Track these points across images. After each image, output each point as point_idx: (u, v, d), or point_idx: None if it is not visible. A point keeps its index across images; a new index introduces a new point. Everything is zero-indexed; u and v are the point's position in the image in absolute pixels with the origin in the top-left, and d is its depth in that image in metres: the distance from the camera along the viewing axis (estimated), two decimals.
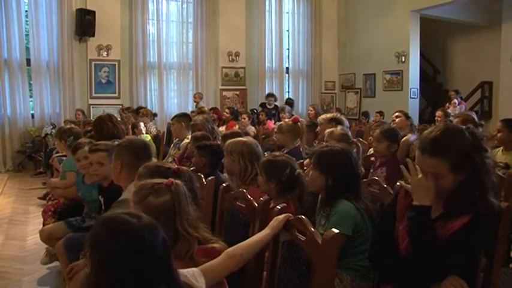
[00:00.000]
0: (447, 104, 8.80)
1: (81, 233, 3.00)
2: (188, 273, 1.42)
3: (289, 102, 10.26)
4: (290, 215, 1.83)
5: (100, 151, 2.98)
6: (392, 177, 2.87)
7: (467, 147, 1.58)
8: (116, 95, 9.67)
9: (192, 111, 7.95)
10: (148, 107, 9.12)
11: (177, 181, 1.69)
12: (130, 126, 6.64)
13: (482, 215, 1.56)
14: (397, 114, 5.07)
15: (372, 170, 3.51)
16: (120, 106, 9.28)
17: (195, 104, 9.47)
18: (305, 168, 2.91)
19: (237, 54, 10.73)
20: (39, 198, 5.74)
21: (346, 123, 4.44)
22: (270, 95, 10.17)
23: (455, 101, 8.96)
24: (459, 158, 1.56)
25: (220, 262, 1.59)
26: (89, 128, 4.80)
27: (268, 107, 9.77)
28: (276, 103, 10.10)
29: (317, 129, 4.39)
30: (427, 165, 1.60)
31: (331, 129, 3.68)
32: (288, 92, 11.65)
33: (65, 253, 2.87)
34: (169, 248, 1.18)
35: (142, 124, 6.59)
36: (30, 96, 8.99)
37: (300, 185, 2.42)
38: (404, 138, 3.53)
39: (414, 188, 1.63)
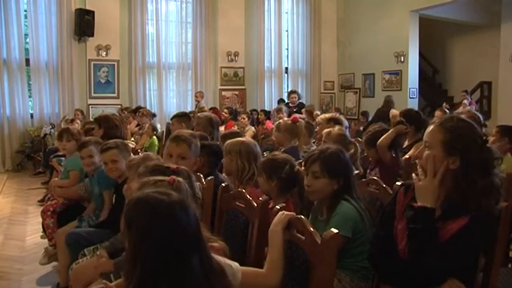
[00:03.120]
0: (445, 104, 8.72)
1: (83, 229, 3.02)
2: (227, 261, 1.45)
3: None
4: (293, 213, 1.83)
5: (111, 149, 3.05)
6: (385, 177, 2.87)
7: (469, 135, 1.60)
8: (115, 95, 9.68)
9: (191, 112, 7.94)
10: (148, 107, 9.10)
11: (179, 178, 1.70)
12: (146, 128, 6.72)
13: (480, 217, 1.56)
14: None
15: (368, 171, 3.51)
16: (119, 106, 9.29)
17: (196, 103, 9.47)
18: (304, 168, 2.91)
19: (236, 54, 10.73)
20: (39, 201, 5.72)
21: (346, 123, 4.42)
22: (293, 91, 9.34)
23: (466, 101, 8.88)
24: (453, 137, 1.58)
25: (262, 274, 1.59)
26: (91, 127, 4.79)
27: (291, 105, 8.82)
28: (301, 100, 9.34)
29: (316, 129, 4.39)
30: (427, 133, 1.66)
31: (328, 130, 3.67)
32: (287, 92, 11.64)
33: (66, 248, 2.89)
34: (199, 221, 1.26)
35: (159, 125, 6.71)
36: (30, 96, 9.00)
37: (300, 181, 2.42)
38: (379, 141, 3.45)
39: (417, 189, 1.64)
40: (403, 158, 3.55)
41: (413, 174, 1.70)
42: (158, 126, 6.89)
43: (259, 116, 9.29)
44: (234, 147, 2.84)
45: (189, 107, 9.74)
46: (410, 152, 3.73)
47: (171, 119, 5.27)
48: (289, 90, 10.15)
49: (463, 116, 1.72)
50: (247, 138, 3.27)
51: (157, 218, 1.18)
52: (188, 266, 1.18)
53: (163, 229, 1.17)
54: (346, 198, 2.12)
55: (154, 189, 1.32)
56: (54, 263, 3.55)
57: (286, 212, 1.76)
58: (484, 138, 1.64)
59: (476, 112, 4.98)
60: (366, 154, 3.68)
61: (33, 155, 8.53)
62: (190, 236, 1.20)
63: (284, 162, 2.45)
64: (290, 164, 2.46)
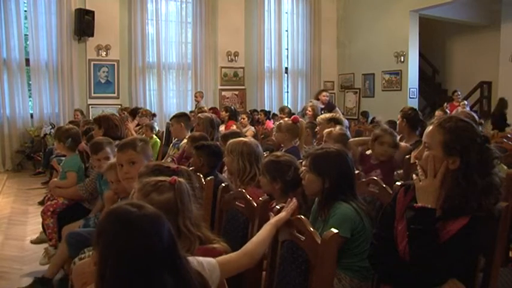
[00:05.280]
0: (446, 104, 8.75)
1: (85, 229, 3.02)
2: (205, 261, 1.43)
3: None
4: (291, 208, 1.84)
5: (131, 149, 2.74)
6: (387, 180, 2.85)
7: (469, 135, 1.59)
8: (115, 95, 9.68)
9: (191, 111, 7.94)
10: (148, 107, 9.12)
11: (180, 179, 1.69)
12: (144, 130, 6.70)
13: (480, 217, 1.56)
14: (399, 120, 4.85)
15: (363, 173, 3.47)
16: (119, 106, 9.29)
17: (195, 102, 9.47)
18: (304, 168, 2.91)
19: (236, 54, 10.73)
20: (39, 203, 5.69)
21: (346, 123, 4.42)
22: (325, 90, 8.37)
23: (465, 101, 8.89)
24: (453, 138, 1.58)
25: (236, 258, 1.61)
26: (88, 127, 4.80)
27: (321, 105, 7.31)
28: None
29: (316, 130, 4.39)
30: (426, 134, 1.66)
31: (329, 130, 3.67)
32: (287, 92, 11.66)
33: (66, 247, 2.89)
34: (174, 238, 1.18)
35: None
36: (29, 96, 9.00)
37: None
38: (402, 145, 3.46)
39: (418, 189, 1.65)
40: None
41: (413, 175, 1.70)
42: (156, 125, 6.88)
43: (260, 116, 9.30)
44: (236, 147, 2.83)
45: (189, 107, 9.74)
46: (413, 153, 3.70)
47: (171, 119, 5.27)
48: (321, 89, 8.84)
49: (461, 116, 1.71)
50: (249, 138, 3.26)
51: (124, 230, 1.11)
52: (158, 284, 1.11)
53: (129, 242, 1.10)
54: (344, 199, 2.12)
55: (130, 201, 1.27)
56: None
57: (283, 214, 1.77)
58: (484, 137, 1.63)
59: (470, 112, 5.00)
60: (370, 152, 3.63)
61: (33, 155, 8.54)
62: (161, 253, 1.12)
63: (288, 165, 2.44)
64: (295, 167, 2.45)
